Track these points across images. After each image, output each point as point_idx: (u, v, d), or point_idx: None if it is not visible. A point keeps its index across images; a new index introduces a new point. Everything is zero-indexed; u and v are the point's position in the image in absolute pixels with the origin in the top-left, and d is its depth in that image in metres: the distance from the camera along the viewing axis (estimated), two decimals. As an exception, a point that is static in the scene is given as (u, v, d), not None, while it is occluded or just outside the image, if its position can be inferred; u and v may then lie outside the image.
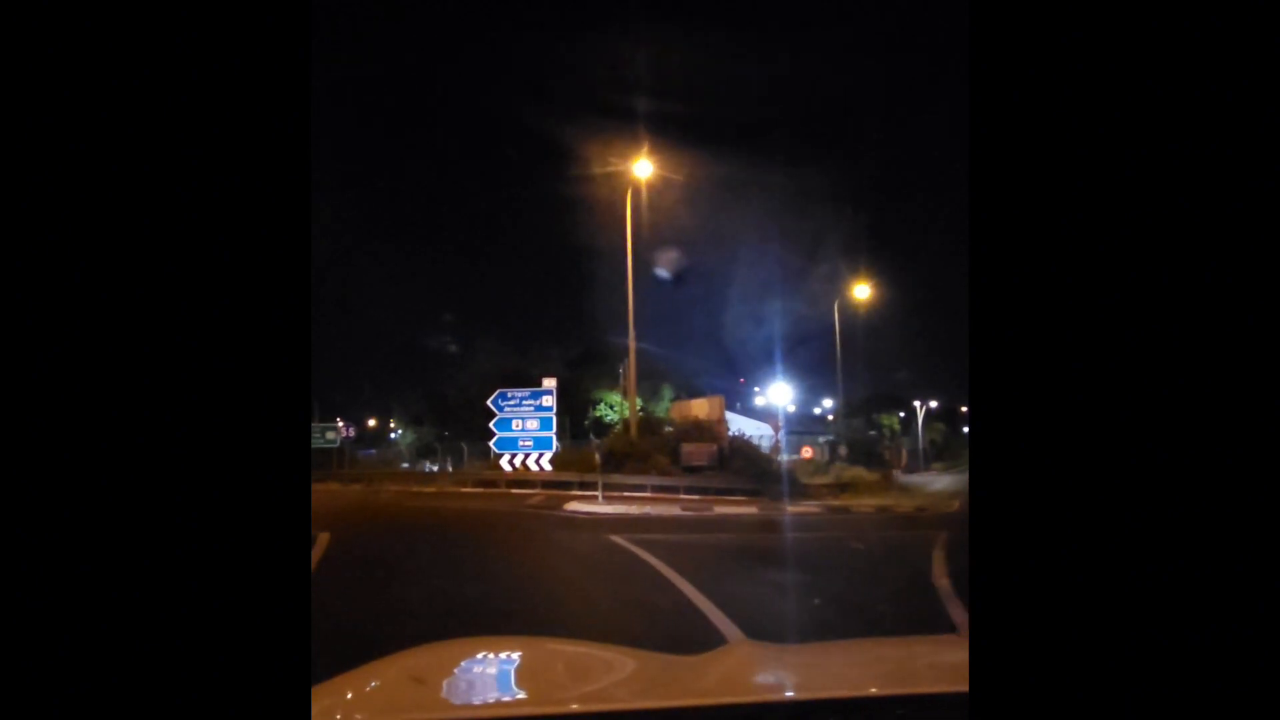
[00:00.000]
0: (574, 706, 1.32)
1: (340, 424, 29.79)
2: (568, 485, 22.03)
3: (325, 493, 23.31)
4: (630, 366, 24.21)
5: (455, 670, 1.64)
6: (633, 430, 24.07)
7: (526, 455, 23.86)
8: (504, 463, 24.01)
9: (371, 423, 52.20)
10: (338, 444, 30.53)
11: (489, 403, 24.49)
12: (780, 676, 1.61)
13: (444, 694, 1.46)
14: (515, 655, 1.80)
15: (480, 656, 1.78)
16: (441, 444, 36.85)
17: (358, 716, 1.25)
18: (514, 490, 22.61)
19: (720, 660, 1.70)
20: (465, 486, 23.81)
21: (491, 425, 24.34)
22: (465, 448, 32.57)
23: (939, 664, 1.66)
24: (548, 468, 23.53)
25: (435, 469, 37.07)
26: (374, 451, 48.76)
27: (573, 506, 16.00)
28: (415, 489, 24.07)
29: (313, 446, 30.68)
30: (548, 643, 2.22)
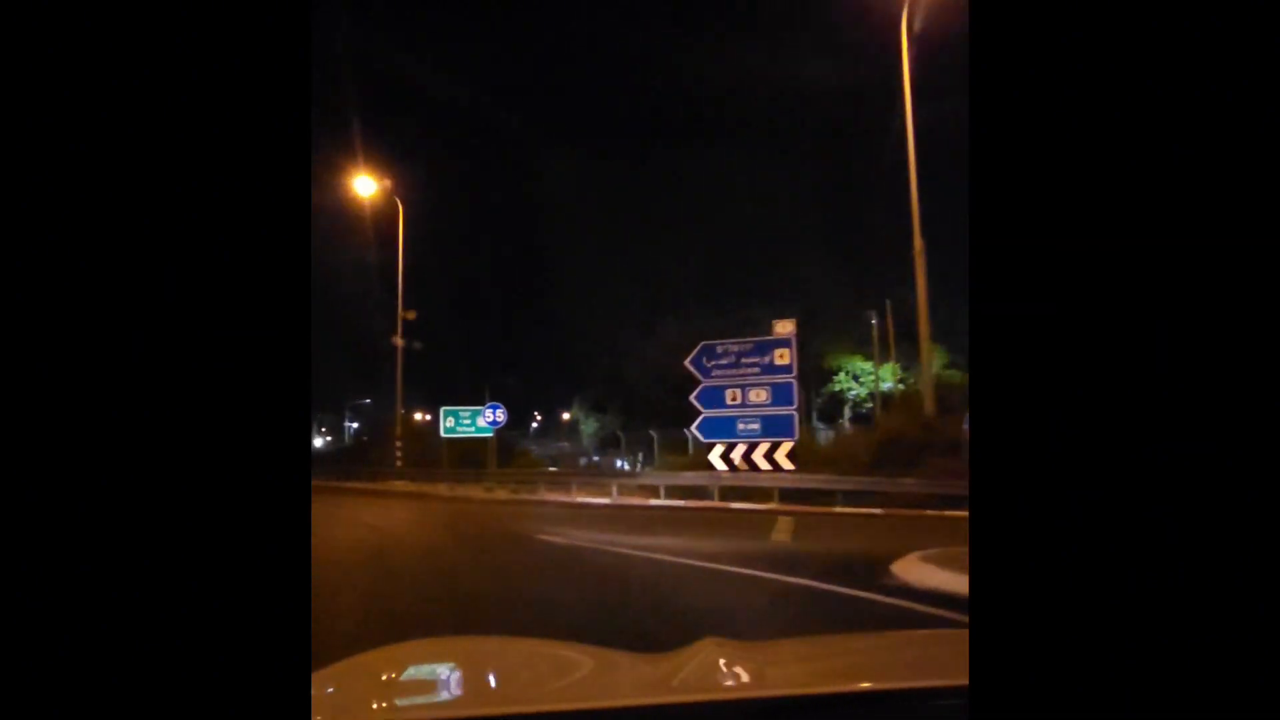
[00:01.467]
0: (541, 705, 1.23)
1: (494, 411, 22.14)
2: (825, 496, 12.81)
3: (440, 513, 15.30)
4: (920, 291, 14.37)
5: (420, 670, 1.62)
6: (927, 403, 14.41)
7: (752, 446, 14.82)
8: (715, 458, 15.10)
9: (565, 415, 47.05)
10: (490, 433, 23.02)
11: (688, 364, 15.70)
12: (763, 674, 1.53)
13: (408, 694, 1.45)
14: (481, 655, 1.78)
15: (446, 656, 1.75)
16: (626, 434, 29.05)
17: (318, 718, 1.11)
18: (733, 505, 13.68)
19: (690, 657, 1.49)
20: (655, 496, 15.15)
21: (693, 399, 15.55)
22: (655, 437, 24.56)
23: (917, 659, 1.63)
24: (788, 466, 14.37)
25: (625, 465, 29.82)
26: (565, 445, 43.46)
27: (915, 572, 5.96)
28: (580, 498, 15.79)
29: (457, 435, 23.53)
30: (514, 642, 2.20)
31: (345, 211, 26.33)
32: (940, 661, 1.33)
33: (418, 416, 34.07)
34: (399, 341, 24.51)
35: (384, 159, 25.53)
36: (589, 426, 40.95)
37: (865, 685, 1.26)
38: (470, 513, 13.98)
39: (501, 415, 21.49)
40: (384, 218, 25.95)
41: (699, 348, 15.56)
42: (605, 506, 14.63)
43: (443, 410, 23.68)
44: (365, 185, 25.68)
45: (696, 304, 31.27)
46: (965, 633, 0.87)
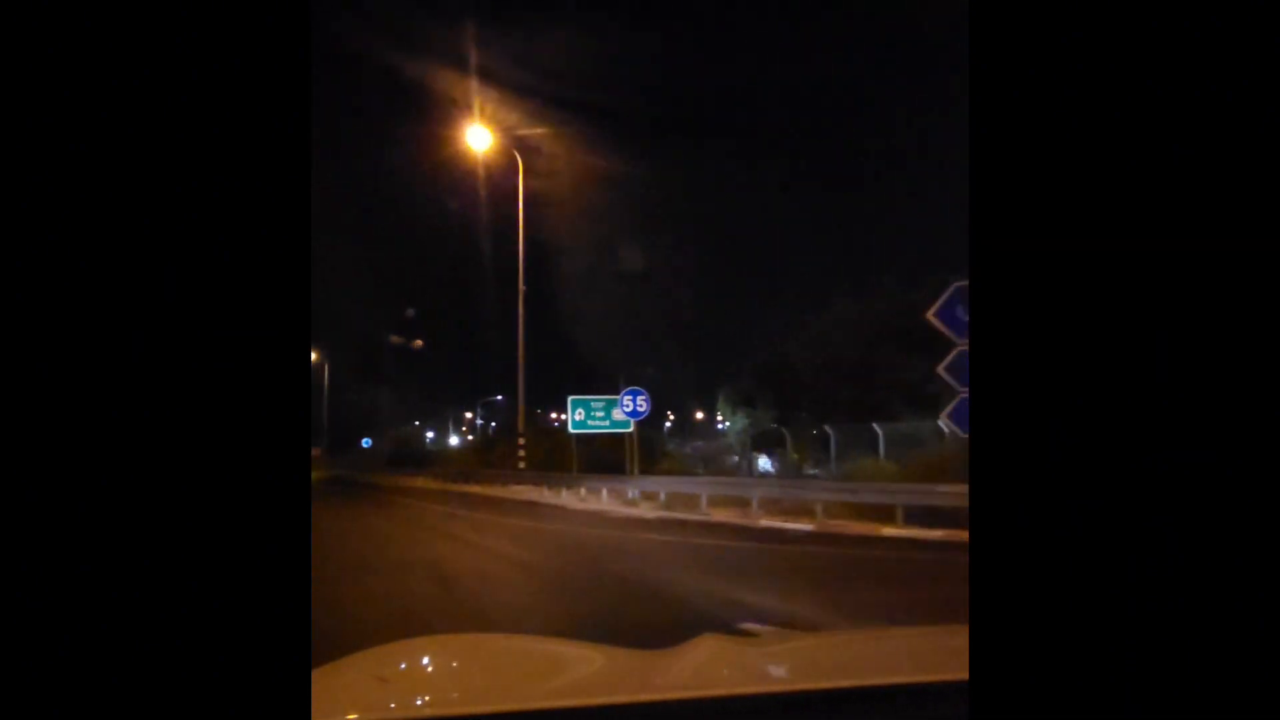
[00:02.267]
0: (540, 703, 1.19)
1: (634, 399, 17.24)
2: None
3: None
4: None
5: (420, 668, 1.56)
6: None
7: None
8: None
9: (699, 413, 42.77)
10: (629, 426, 18.32)
11: (933, 315, 10.18)
12: (763, 670, 1.51)
13: (409, 692, 1.38)
14: (481, 652, 1.75)
15: (446, 654, 1.68)
16: (791, 430, 23.74)
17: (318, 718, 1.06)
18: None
19: (689, 653, 1.45)
20: (889, 521, 9.75)
21: (942, 371, 10.05)
22: (832, 434, 19.24)
23: (917, 654, 1.56)
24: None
25: (769, 467, 24.83)
26: (701, 444, 39.23)
27: None
28: (765, 521, 10.63)
29: (587, 430, 18.95)
30: (515, 639, 2.20)
31: (457, 172, 22.49)
32: (940, 657, 1.32)
33: (553, 416, 31.07)
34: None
35: (502, 116, 21.33)
36: (736, 423, 35.85)
37: (865, 681, 1.24)
38: (607, 544, 9.14)
39: (644, 404, 16.63)
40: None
41: (951, 290, 10.07)
42: (815, 537, 9.45)
43: (569, 401, 19.13)
44: (480, 137, 21.61)
45: (877, 277, 25.47)
46: (965, 629, 0.86)
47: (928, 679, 1.18)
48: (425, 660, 1.61)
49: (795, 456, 23.54)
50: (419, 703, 1.30)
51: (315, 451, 52.02)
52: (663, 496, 13.43)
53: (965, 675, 0.85)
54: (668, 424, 47.00)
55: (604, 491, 15.11)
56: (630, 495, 14.40)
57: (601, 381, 25.01)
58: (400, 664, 1.55)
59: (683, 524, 11.16)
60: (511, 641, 2.08)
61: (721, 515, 11.67)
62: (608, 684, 1.40)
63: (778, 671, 1.49)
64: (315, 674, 1.14)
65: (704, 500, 12.30)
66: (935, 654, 1.44)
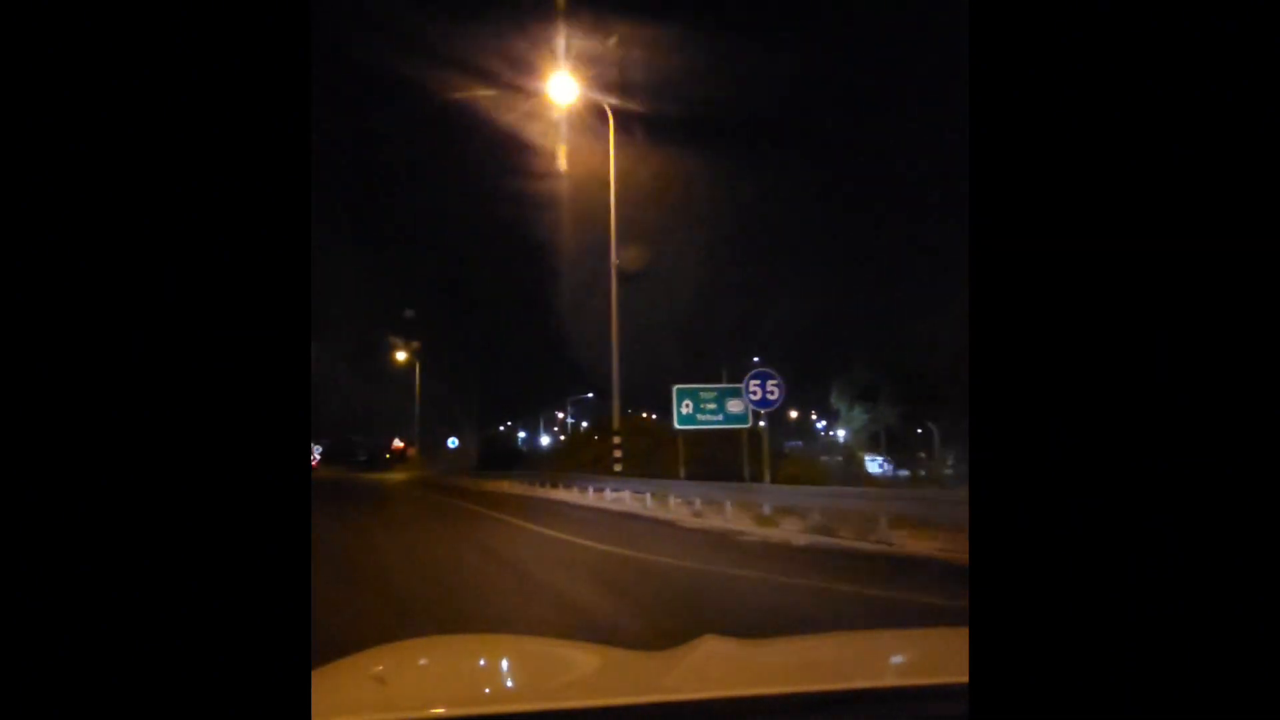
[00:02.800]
0: (540, 704, 1.20)
1: (763, 385, 13.58)
2: None
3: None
4: None
5: (418, 669, 1.57)
6: None
7: None
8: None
9: (794, 414, 39.30)
10: (747, 421, 14.87)
11: None
12: (762, 671, 1.49)
13: (406, 693, 1.37)
14: (478, 653, 1.76)
15: (443, 655, 1.71)
16: (939, 424, 19.84)
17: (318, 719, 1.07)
18: None
19: (692, 654, 1.45)
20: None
21: None
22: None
23: (917, 657, 1.55)
24: None
25: (886, 468, 21.19)
26: (800, 443, 35.94)
27: None
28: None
29: (696, 426, 15.58)
30: (511, 640, 2.15)
31: (534, 136, 19.47)
32: (940, 660, 1.31)
33: (644, 415, 28.32)
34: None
35: (593, 71, 18.20)
36: (854, 419, 31.85)
37: (865, 682, 1.25)
38: (761, 603, 5.72)
39: (775, 390, 13.11)
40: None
41: None
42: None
43: (674, 390, 15.78)
44: (564, 88, 18.51)
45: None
46: (965, 631, 0.85)
47: (927, 680, 1.18)
48: (423, 661, 1.61)
49: (921, 455, 19.67)
50: (416, 704, 1.25)
51: (411, 451, 51.14)
52: (811, 517, 9.88)
53: (965, 677, 0.85)
54: (761, 422, 43.30)
55: (727, 504, 11.67)
56: (765, 510, 10.90)
57: (703, 376, 21.72)
58: (398, 665, 1.54)
59: (862, 559, 7.62)
60: (510, 642, 2.08)
61: (911, 543, 8.08)
62: (608, 685, 1.39)
63: (778, 672, 1.47)
64: (318, 675, 1.09)
65: (881, 521, 8.70)
66: (935, 655, 1.44)
